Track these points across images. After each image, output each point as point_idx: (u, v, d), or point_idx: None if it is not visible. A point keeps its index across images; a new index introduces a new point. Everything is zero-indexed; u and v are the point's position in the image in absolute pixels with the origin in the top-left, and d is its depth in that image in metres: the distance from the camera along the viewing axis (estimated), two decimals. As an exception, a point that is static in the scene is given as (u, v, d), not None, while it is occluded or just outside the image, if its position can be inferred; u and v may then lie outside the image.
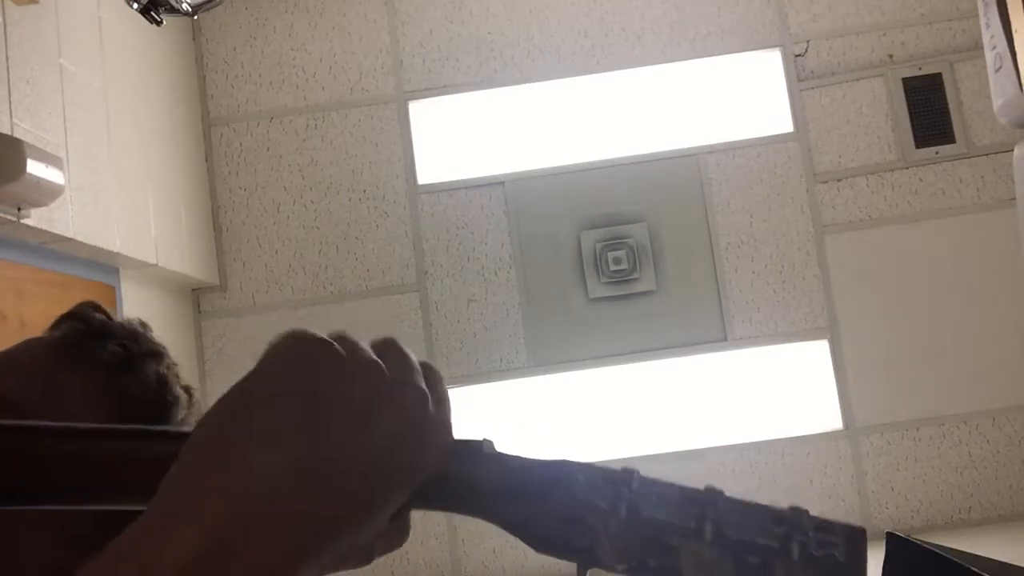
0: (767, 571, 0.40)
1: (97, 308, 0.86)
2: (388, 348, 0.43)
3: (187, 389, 0.88)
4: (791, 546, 0.40)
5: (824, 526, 0.41)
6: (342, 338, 0.42)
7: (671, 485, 0.42)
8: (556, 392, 5.34)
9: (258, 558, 0.35)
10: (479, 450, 0.43)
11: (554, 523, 0.41)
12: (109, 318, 0.86)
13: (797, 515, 0.41)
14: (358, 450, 0.38)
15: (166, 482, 0.38)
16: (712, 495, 0.41)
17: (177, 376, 0.88)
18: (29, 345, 0.83)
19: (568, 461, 0.43)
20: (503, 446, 0.44)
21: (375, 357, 0.41)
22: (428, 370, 0.44)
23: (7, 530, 0.69)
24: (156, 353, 0.86)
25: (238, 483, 0.37)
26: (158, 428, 0.46)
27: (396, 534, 0.43)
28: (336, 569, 0.39)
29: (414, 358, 0.43)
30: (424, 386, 0.42)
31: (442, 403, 0.43)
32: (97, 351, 0.81)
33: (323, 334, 0.41)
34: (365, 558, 0.41)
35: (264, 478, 0.37)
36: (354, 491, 0.38)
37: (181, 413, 0.86)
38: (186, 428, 0.44)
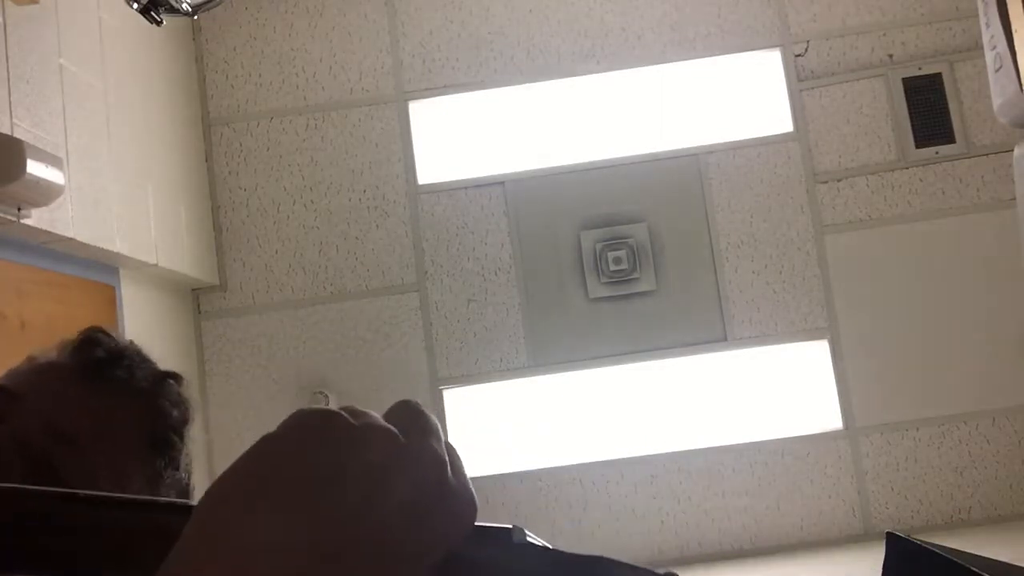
0: None
1: (104, 332, 0.90)
2: (404, 412, 0.41)
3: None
4: None
5: None
6: (351, 409, 0.40)
7: None
8: (556, 392, 5.34)
9: None
10: (509, 539, 0.40)
11: None
12: (116, 342, 0.90)
13: None
14: (370, 521, 0.37)
15: (173, 552, 0.37)
16: None
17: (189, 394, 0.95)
18: (53, 369, 0.85)
19: (603, 558, 0.40)
20: (533, 535, 0.41)
21: (387, 424, 0.39)
22: (446, 441, 0.41)
23: None
24: (175, 375, 0.92)
25: (240, 554, 0.35)
26: (175, 502, 0.45)
27: None
28: None
29: (433, 420, 0.41)
30: (442, 451, 0.39)
31: (460, 473, 0.40)
32: (128, 373, 0.86)
33: (331, 408, 0.40)
34: None
35: (267, 550, 0.35)
36: (363, 565, 0.36)
37: (192, 431, 0.92)
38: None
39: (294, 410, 0.40)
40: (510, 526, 0.41)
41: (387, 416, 0.40)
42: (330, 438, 0.38)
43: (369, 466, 0.37)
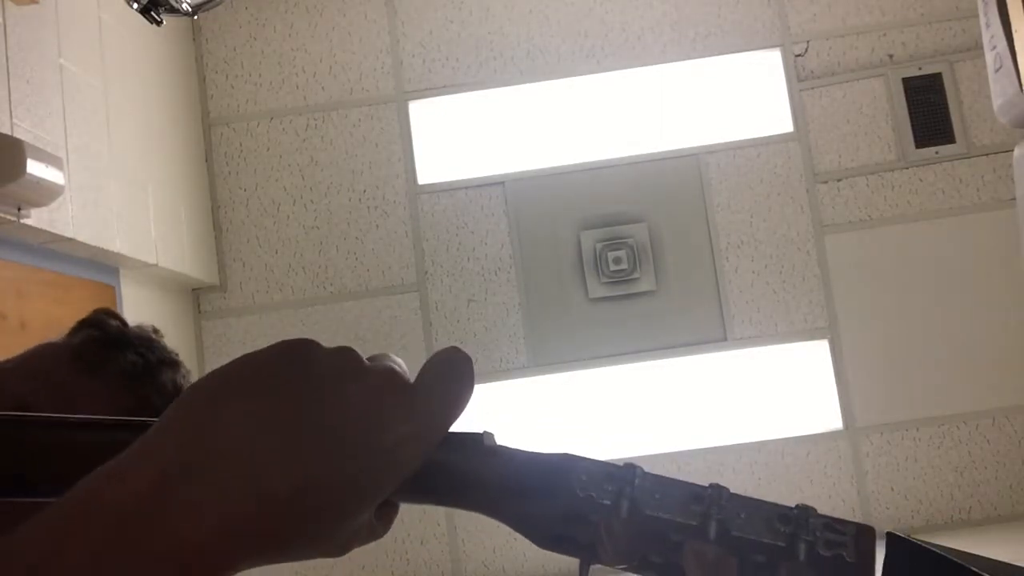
0: (772, 570, 0.39)
1: (112, 315, 0.88)
2: (378, 355, 0.42)
3: None
4: (797, 545, 0.39)
5: (832, 525, 0.39)
6: (342, 347, 0.42)
7: (675, 482, 0.41)
8: (556, 392, 5.34)
9: (204, 496, 0.35)
10: (480, 443, 0.42)
11: (556, 519, 0.41)
12: (124, 325, 0.87)
13: (804, 513, 0.39)
14: (329, 420, 0.38)
15: (131, 446, 0.38)
16: (717, 492, 0.40)
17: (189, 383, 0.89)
18: (45, 351, 0.84)
19: (570, 455, 0.42)
20: (503, 439, 0.43)
21: (355, 351, 0.41)
22: (445, 358, 0.42)
23: None
24: (172, 362, 0.89)
25: (198, 429, 0.37)
26: (127, 419, 0.46)
27: (379, 526, 0.42)
28: (307, 556, 0.38)
29: (400, 360, 0.42)
30: (399, 370, 0.41)
31: (437, 390, 0.41)
32: (116, 360, 0.83)
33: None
34: (341, 548, 0.40)
35: (227, 422, 0.37)
36: (317, 459, 0.37)
37: None
38: None
39: None
40: (481, 431, 0.42)
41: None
42: (299, 350, 0.40)
43: (329, 373, 0.39)
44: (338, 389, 0.39)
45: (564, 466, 0.41)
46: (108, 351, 0.83)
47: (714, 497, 0.40)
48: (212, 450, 0.36)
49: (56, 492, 0.45)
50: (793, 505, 0.40)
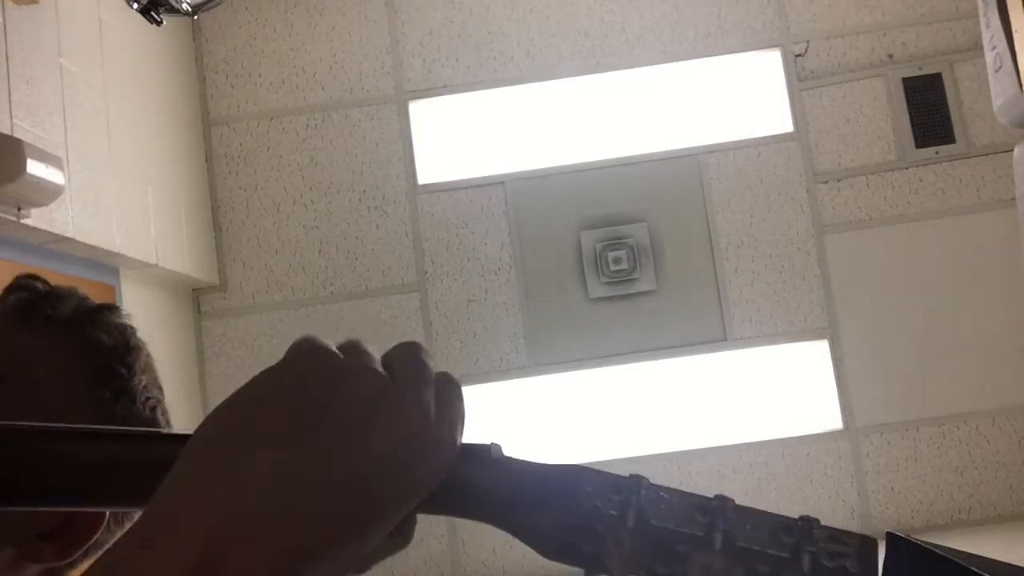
0: None
1: (36, 278, 0.86)
2: (401, 355, 0.42)
3: (140, 340, 0.89)
4: (802, 556, 0.39)
5: (836, 536, 0.40)
6: (350, 346, 0.41)
7: (680, 493, 0.41)
8: (556, 392, 5.34)
9: (251, 560, 0.35)
10: (487, 455, 0.43)
11: (562, 530, 0.41)
12: (50, 285, 0.86)
13: (808, 525, 0.40)
14: (351, 462, 0.38)
15: (164, 483, 0.37)
16: (722, 503, 0.40)
17: (133, 326, 0.89)
18: None
19: (577, 467, 0.42)
20: (511, 450, 0.43)
21: (378, 367, 0.41)
22: (444, 382, 0.42)
23: None
24: (110, 305, 0.87)
25: (235, 480, 0.36)
26: (158, 431, 0.46)
27: (398, 541, 0.42)
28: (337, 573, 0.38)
29: (430, 364, 0.42)
30: (428, 398, 0.41)
31: (449, 418, 0.41)
32: (55, 309, 0.82)
33: (329, 342, 0.41)
34: (363, 566, 0.40)
35: (263, 477, 0.36)
36: (356, 495, 0.37)
37: (143, 359, 0.86)
38: (184, 432, 0.44)
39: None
40: (488, 443, 0.43)
41: (386, 356, 0.42)
42: (320, 375, 0.39)
43: (355, 407, 0.39)
44: (367, 429, 0.39)
45: (571, 478, 0.42)
46: (44, 304, 0.82)
47: (719, 508, 0.40)
48: (251, 513, 0.36)
49: (51, 504, 0.44)
50: (798, 516, 0.40)
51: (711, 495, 0.41)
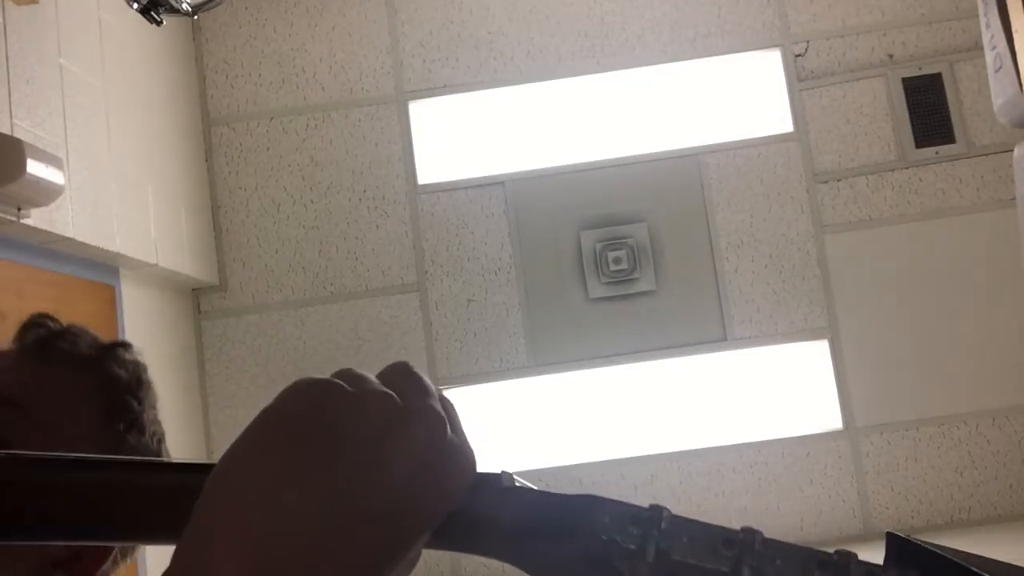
0: None
1: (49, 316, 0.91)
2: (398, 374, 0.41)
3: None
4: None
5: (873, 571, 0.37)
6: (348, 374, 0.40)
7: (704, 525, 0.39)
8: (556, 392, 5.34)
9: None
10: (498, 484, 0.41)
11: (578, 563, 0.39)
12: (61, 323, 0.91)
13: (845, 559, 0.37)
14: (380, 485, 0.37)
15: (190, 528, 0.37)
16: (750, 537, 0.38)
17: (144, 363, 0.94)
18: (2, 357, 0.87)
19: (593, 497, 0.40)
20: (522, 479, 0.41)
21: (384, 388, 0.40)
22: (442, 398, 0.42)
23: None
24: (123, 343, 0.92)
25: (266, 526, 0.36)
26: (180, 461, 0.45)
27: (407, 565, 0.41)
28: None
29: (427, 380, 0.41)
30: (440, 408, 0.40)
31: (459, 429, 0.41)
32: (72, 345, 0.86)
33: (326, 376, 0.40)
34: None
35: (292, 519, 0.36)
36: (383, 525, 0.37)
37: (153, 395, 0.91)
38: (195, 461, 0.43)
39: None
40: (499, 471, 0.41)
41: (381, 378, 0.41)
42: (331, 407, 0.38)
43: (372, 432, 0.38)
44: (385, 455, 0.38)
45: (586, 507, 0.40)
46: (61, 342, 0.86)
47: (747, 542, 0.38)
48: (287, 558, 0.35)
49: (63, 536, 0.44)
50: (834, 551, 0.38)
51: (738, 527, 0.39)
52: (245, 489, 0.37)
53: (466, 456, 0.40)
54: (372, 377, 0.41)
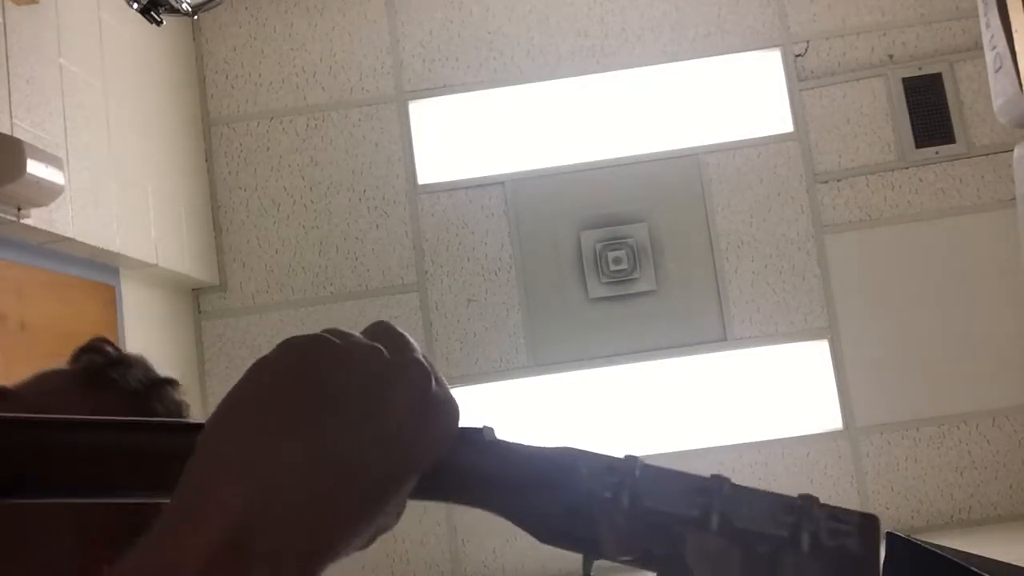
0: (776, 561, 0.38)
1: (108, 341, 0.91)
2: (380, 330, 0.43)
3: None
4: (801, 536, 0.39)
5: (836, 515, 0.39)
6: (334, 331, 0.42)
7: (676, 473, 0.40)
8: (556, 392, 5.34)
9: (284, 545, 0.36)
10: (480, 438, 0.42)
11: (558, 513, 0.40)
12: (119, 350, 0.91)
13: (807, 504, 0.39)
14: (373, 433, 0.38)
15: (185, 477, 0.38)
16: (718, 483, 0.40)
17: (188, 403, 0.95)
18: (52, 375, 0.87)
19: (571, 449, 0.42)
20: (504, 434, 0.43)
21: (371, 342, 0.41)
22: (424, 355, 0.43)
23: (32, 531, 0.72)
24: (171, 380, 0.92)
25: (261, 474, 0.37)
26: (168, 420, 0.46)
27: (394, 514, 0.42)
28: (344, 555, 0.39)
29: (409, 336, 0.43)
30: (425, 362, 0.42)
31: (442, 382, 0.42)
32: (122, 376, 0.87)
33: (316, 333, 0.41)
34: (369, 541, 0.41)
35: (288, 468, 0.37)
36: (375, 474, 0.38)
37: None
38: (196, 420, 0.44)
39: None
40: (481, 426, 0.42)
41: (365, 335, 0.42)
42: (322, 361, 0.39)
43: (364, 382, 0.39)
44: (377, 405, 0.39)
45: (565, 460, 0.41)
46: (112, 371, 0.87)
47: (716, 488, 0.39)
48: (279, 500, 0.36)
49: (66, 495, 0.45)
50: (797, 495, 0.40)
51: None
52: (236, 440, 0.38)
53: (451, 407, 0.41)
54: (357, 333, 0.42)
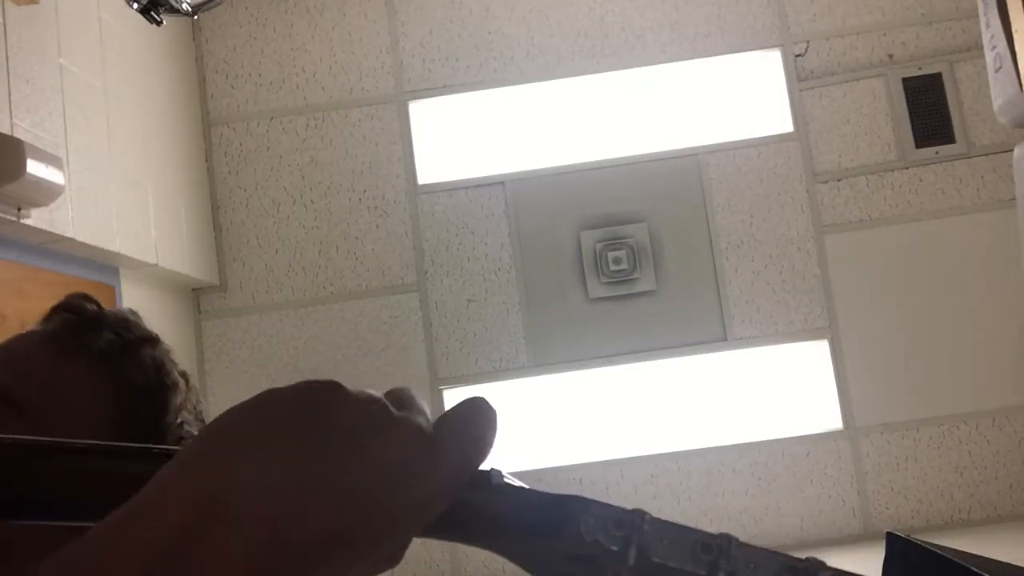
0: None
1: (88, 299, 0.86)
2: (396, 392, 0.42)
3: (183, 375, 0.89)
4: None
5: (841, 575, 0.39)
6: (353, 387, 0.41)
7: (683, 528, 0.40)
8: (556, 392, 5.34)
9: (229, 543, 0.35)
10: (487, 481, 0.42)
11: (562, 560, 0.40)
12: (100, 308, 0.86)
13: (814, 566, 0.39)
14: (352, 471, 0.37)
15: (149, 484, 0.37)
16: (726, 541, 0.40)
17: (173, 361, 0.88)
18: (23, 338, 0.82)
19: (578, 497, 0.42)
20: (512, 477, 0.43)
21: (380, 396, 0.41)
22: (468, 408, 0.42)
23: (25, 533, 0.71)
24: (151, 339, 0.86)
25: (218, 478, 0.36)
26: (161, 448, 0.45)
27: (385, 561, 0.41)
28: None
29: (422, 402, 0.42)
30: (425, 425, 0.40)
31: (456, 439, 0.41)
32: (93, 340, 0.81)
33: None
34: None
35: (248, 477, 0.36)
36: (344, 510, 0.37)
37: (179, 397, 0.86)
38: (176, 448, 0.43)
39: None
40: (488, 468, 0.42)
41: (386, 395, 0.42)
42: (321, 398, 0.39)
43: (353, 424, 0.38)
44: (363, 444, 0.38)
45: (572, 508, 0.41)
46: (84, 333, 0.81)
47: (723, 546, 0.40)
48: (240, 499, 0.36)
49: (48, 518, 0.44)
50: (805, 556, 0.40)
51: (716, 532, 0.41)
52: (203, 449, 0.38)
53: (441, 479, 0.40)
54: (372, 391, 0.42)
